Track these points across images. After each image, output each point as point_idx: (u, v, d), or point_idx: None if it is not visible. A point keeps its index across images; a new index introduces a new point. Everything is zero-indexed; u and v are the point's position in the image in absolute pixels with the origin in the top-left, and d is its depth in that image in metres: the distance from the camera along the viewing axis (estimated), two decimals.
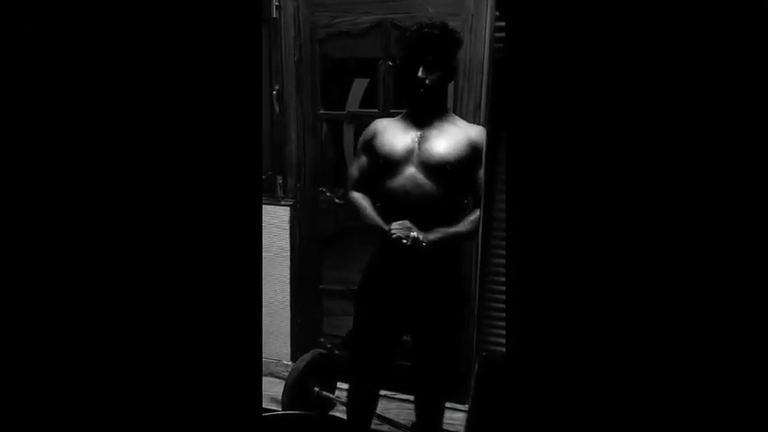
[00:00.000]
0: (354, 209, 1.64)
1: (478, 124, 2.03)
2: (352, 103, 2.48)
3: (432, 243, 1.47)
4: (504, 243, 0.65)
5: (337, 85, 2.44)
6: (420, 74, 1.47)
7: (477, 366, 0.69)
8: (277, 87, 2.27)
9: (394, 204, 1.54)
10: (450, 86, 2.36)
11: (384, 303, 1.61)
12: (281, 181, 2.36)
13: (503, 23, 0.69)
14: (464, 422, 2.18)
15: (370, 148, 1.61)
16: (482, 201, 0.70)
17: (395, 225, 1.48)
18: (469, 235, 1.54)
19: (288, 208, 2.36)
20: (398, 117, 1.64)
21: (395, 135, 1.57)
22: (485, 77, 2.00)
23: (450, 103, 2.59)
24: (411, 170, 1.52)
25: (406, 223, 1.48)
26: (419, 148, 1.53)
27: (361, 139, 1.66)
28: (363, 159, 1.64)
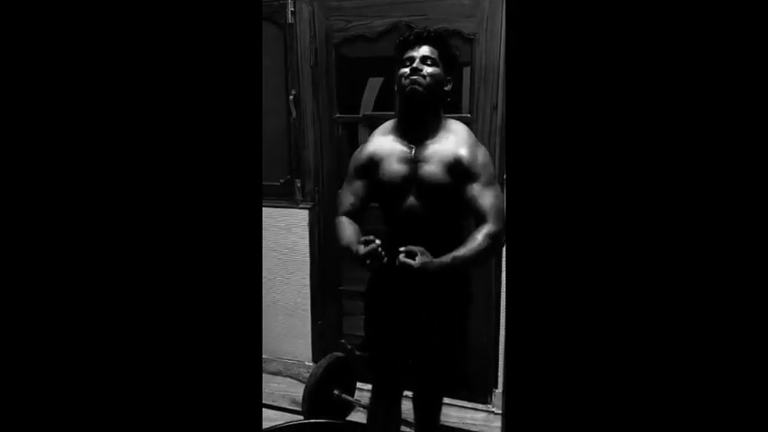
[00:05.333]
0: (337, 230, 1.50)
1: (495, 126, 2.03)
2: (367, 104, 2.49)
3: (438, 267, 1.34)
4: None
5: (353, 88, 2.45)
6: (416, 64, 1.35)
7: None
8: (294, 92, 2.29)
9: (402, 229, 1.47)
10: (466, 86, 2.36)
11: (395, 314, 1.59)
12: (299, 184, 2.38)
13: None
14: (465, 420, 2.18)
15: (367, 173, 1.49)
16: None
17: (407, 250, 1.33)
18: (478, 259, 1.40)
19: (307, 211, 2.38)
20: (389, 131, 1.51)
21: (391, 159, 1.45)
22: (501, 78, 1.99)
23: (465, 104, 2.57)
24: (411, 200, 1.44)
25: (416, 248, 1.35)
26: (417, 171, 1.43)
27: (354, 162, 1.52)
28: (358, 185, 1.51)
